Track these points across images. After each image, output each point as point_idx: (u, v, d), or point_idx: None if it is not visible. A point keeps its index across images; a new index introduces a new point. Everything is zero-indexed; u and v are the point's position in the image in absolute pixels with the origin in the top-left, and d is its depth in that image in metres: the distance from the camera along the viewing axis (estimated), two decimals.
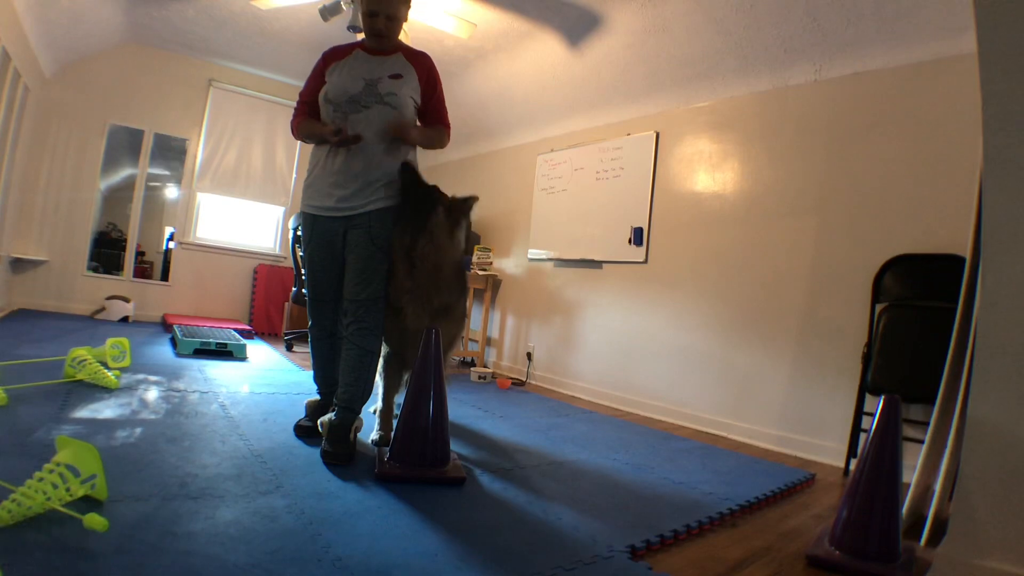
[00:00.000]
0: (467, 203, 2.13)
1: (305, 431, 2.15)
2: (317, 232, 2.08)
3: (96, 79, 4.78)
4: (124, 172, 5.46)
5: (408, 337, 2.12)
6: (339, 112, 2.00)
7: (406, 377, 2.22)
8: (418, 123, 2.17)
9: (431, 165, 6.33)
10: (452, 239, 2.09)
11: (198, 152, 5.24)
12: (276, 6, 3.57)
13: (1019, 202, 1.36)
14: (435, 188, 2.10)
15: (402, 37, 2.19)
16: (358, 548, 1.30)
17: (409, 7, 2.09)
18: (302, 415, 2.28)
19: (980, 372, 1.41)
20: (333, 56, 2.10)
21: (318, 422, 2.09)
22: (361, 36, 2.14)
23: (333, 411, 2.03)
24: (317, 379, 2.27)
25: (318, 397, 2.28)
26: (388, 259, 2.06)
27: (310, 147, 2.16)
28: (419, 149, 2.19)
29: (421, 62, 2.10)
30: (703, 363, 3.39)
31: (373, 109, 1.99)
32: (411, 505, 1.60)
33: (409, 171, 2.06)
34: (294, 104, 2.16)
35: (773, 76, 3.20)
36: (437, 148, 2.20)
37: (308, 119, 2.10)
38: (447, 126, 2.19)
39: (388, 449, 1.93)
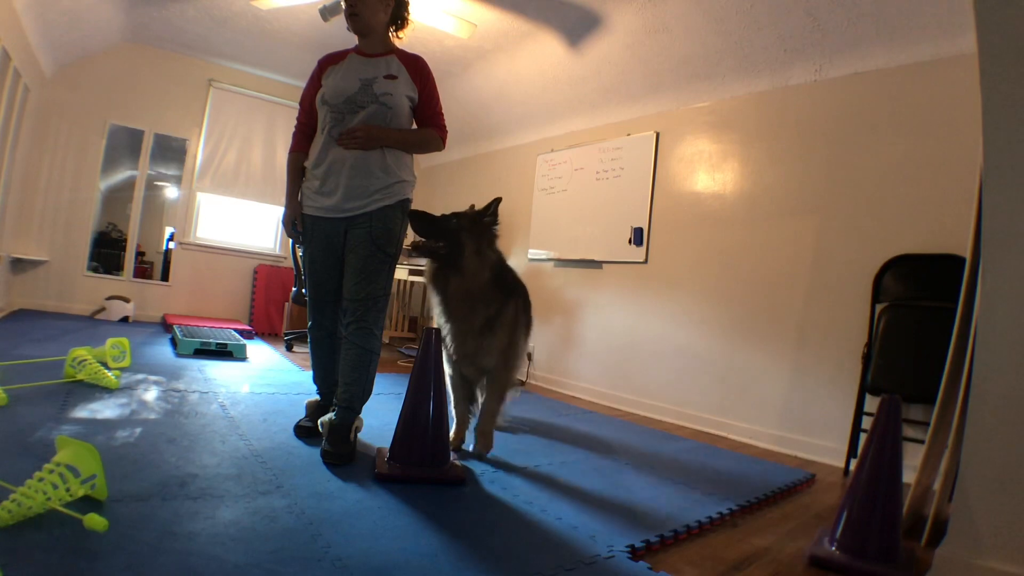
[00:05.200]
0: (489, 213, 2.15)
1: (305, 431, 2.15)
2: (318, 233, 2.08)
3: (96, 79, 4.77)
4: (124, 172, 5.45)
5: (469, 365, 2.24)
6: (336, 113, 2.01)
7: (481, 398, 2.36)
8: (414, 125, 2.16)
9: (431, 165, 6.34)
10: (480, 258, 2.11)
11: (198, 152, 5.24)
12: (276, 6, 3.57)
13: (1019, 202, 1.36)
14: (451, 216, 2.12)
15: (399, 42, 2.19)
16: (358, 548, 1.30)
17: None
18: (302, 415, 2.28)
19: (980, 372, 1.41)
20: (328, 61, 2.12)
21: (318, 422, 2.09)
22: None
23: (333, 411, 2.03)
24: (317, 379, 2.27)
25: (318, 397, 2.29)
26: (390, 259, 2.06)
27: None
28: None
29: (414, 64, 2.10)
30: (703, 363, 3.39)
31: (369, 109, 1.99)
32: (411, 505, 1.60)
33: (417, 217, 2.09)
34: (293, 104, 2.17)
35: (773, 76, 3.20)
36: (431, 151, 2.18)
37: (296, 164, 2.19)
38: (441, 128, 2.16)
39: (388, 449, 1.93)
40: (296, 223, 2.15)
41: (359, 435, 2.09)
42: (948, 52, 2.54)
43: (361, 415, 2.10)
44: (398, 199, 2.06)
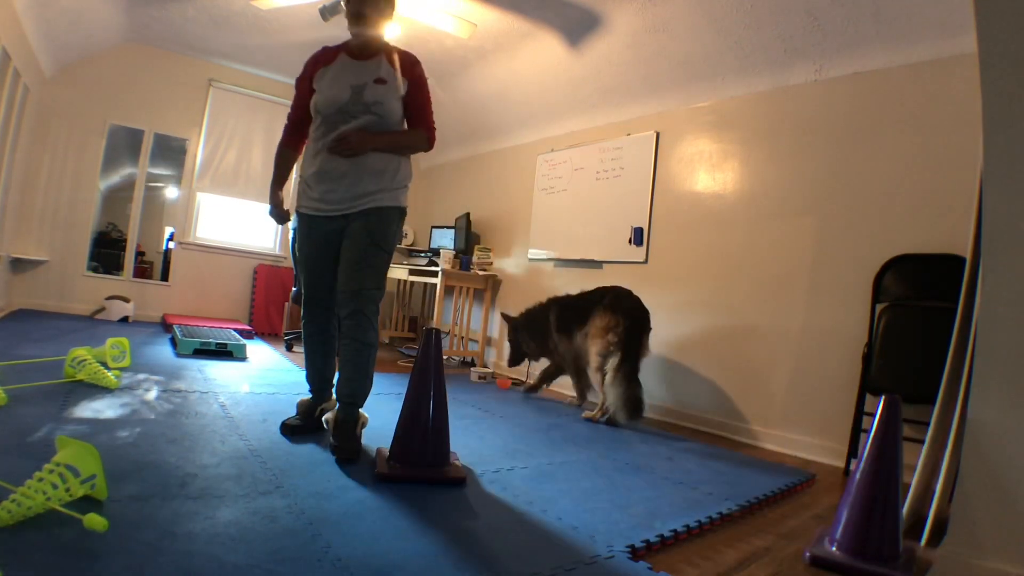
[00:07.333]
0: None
1: (290, 429, 2.15)
2: (313, 231, 2.10)
3: (96, 79, 4.77)
4: (124, 172, 5.45)
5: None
6: (329, 123, 2.02)
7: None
8: (405, 125, 2.16)
9: (431, 166, 6.34)
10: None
11: (198, 152, 5.24)
12: (276, 6, 3.57)
13: (1019, 202, 1.36)
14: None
15: (399, 40, 2.19)
16: (358, 548, 1.30)
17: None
18: None
19: (980, 372, 1.41)
20: (318, 62, 2.10)
21: (323, 419, 2.14)
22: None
23: (336, 406, 2.07)
24: (309, 377, 2.28)
25: (309, 396, 2.29)
26: (385, 254, 2.07)
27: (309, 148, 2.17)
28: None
29: (405, 62, 2.08)
30: (703, 363, 3.39)
31: (361, 119, 2.00)
32: (411, 505, 1.60)
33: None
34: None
35: (773, 76, 3.20)
36: (418, 152, 2.18)
37: (283, 159, 2.29)
38: (429, 128, 2.14)
39: (388, 449, 1.93)
40: (280, 208, 2.22)
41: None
42: (948, 52, 2.53)
43: (364, 411, 2.11)
44: (394, 205, 2.09)
